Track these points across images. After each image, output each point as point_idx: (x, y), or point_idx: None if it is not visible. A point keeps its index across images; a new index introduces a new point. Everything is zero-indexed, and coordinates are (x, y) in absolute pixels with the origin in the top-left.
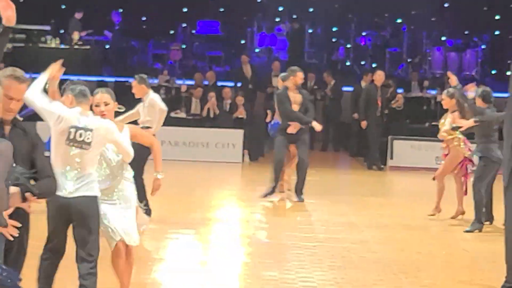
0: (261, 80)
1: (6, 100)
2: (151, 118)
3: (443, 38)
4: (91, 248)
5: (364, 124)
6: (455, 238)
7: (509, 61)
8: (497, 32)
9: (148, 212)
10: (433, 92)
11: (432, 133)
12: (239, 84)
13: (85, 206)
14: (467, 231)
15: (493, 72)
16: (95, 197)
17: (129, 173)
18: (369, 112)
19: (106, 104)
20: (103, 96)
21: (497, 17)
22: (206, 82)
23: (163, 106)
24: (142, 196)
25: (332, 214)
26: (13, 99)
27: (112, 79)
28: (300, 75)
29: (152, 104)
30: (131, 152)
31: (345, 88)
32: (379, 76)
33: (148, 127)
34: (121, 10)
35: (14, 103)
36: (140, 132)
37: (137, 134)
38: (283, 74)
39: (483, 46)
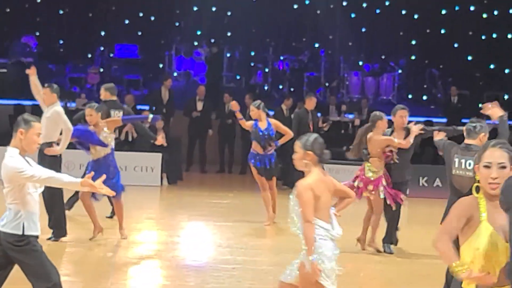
0: (183, 103)
1: None
2: (51, 133)
3: (360, 63)
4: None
5: None
6: (371, 259)
7: (425, 86)
8: (413, 57)
9: (64, 233)
10: (351, 116)
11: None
12: (153, 108)
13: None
14: (382, 251)
15: (410, 96)
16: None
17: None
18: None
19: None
20: None
21: (413, 42)
22: (124, 106)
23: (69, 125)
24: (62, 216)
25: (251, 237)
26: None
27: (30, 103)
28: None
29: (55, 118)
30: None
31: None
32: (311, 101)
33: (50, 143)
34: (37, 34)
35: None
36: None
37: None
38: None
39: (399, 71)
